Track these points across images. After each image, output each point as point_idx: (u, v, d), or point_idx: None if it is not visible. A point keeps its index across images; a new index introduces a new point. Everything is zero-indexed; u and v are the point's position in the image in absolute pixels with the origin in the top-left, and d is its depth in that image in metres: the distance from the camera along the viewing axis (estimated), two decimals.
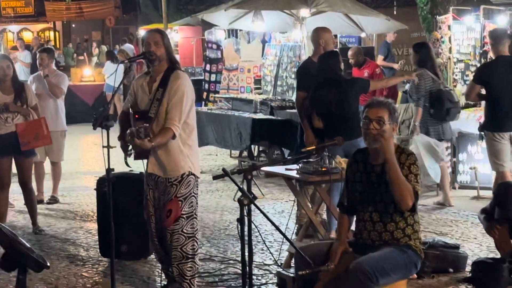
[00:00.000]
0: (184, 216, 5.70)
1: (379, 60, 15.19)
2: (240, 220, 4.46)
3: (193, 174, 5.76)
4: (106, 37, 40.30)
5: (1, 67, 8.00)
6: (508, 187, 6.37)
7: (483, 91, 8.10)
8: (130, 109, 5.76)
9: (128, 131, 5.41)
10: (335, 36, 16.34)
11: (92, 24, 40.91)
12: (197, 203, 5.84)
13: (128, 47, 23.29)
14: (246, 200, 4.45)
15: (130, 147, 5.61)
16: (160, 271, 6.27)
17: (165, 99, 5.59)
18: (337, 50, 8.48)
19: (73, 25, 41.44)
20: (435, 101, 8.62)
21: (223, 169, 4.63)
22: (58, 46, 37.61)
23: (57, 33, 40.03)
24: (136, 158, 5.73)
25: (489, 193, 9.25)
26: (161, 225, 5.81)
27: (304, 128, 7.69)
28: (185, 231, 5.70)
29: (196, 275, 5.85)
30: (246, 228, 4.48)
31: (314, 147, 6.04)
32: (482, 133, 8.10)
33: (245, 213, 4.47)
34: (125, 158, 5.68)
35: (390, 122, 4.80)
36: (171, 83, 5.61)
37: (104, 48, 27.14)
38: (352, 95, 7.34)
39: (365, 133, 4.83)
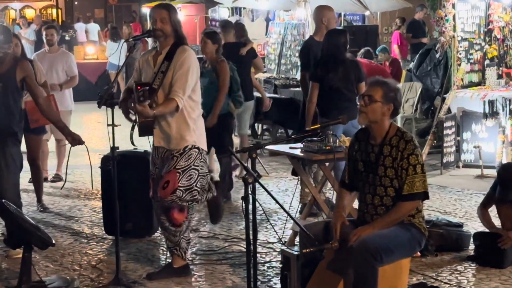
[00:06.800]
0: (182, 188, 5.65)
1: (407, 38, 15.22)
2: (245, 198, 4.47)
3: (197, 148, 5.74)
4: (109, 15, 40.14)
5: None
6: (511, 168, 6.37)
7: None
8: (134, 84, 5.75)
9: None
10: (339, 15, 16.34)
11: (94, 1, 40.73)
12: (200, 175, 5.74)
13: None
14: (251, 179, 4.46)
15: (135, 117, 5.63)
16: (165, 249, 6.30)
17: (170, 72, 5.58)
18: (344, 28, 8.53)
19: (76, 3, 41.26)
20: None
21: (228, 148, 4.63)
22: (60, 24, 37.52)
23: (59, 11, 39.84)
24: (140, 134, 5.71)
25: (493, 172, 9.27)
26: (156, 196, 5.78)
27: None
28: (185, 200, 5.69)
29: (189, 247, 5.92)
30: (250, 206, 4.50)
31: (318, 125, 6.04)
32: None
33: (250, 191, 4.48)
34: (131, 137, 5.69)
35: (383, 101, 4.80)
36: (177, 56, 5.60)
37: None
38: (356, 75, 7.33)
39: (358, 109, 4.90)
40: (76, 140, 6.43)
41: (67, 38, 22.45)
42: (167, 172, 5.67)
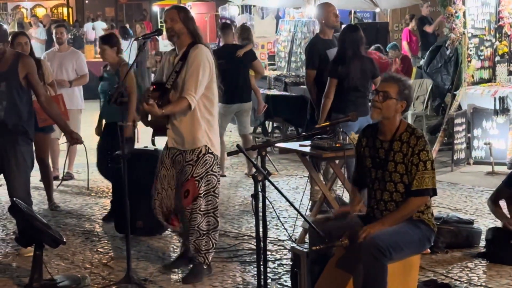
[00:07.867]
0: (202, 194, 5.72)
1: (427, 28, 15.20)
2: (255, 196, 4.48)
3: (211, 153, 5.75)
4: (120, 13, 40.25)
5: (19, 43, 7.98)
6: None
7: None
8: None
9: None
10: (350, 12, 16.33)
11: (105, 0, 40.86)
12: (218, 181, 5.84)
13: None
14: (261, 176, 4.46)
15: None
16: (175, 247, 6.31)
17: (184, 71, 5.62)
18: (357, 25, 8.59)
19: (86, 1, 41.38)
20: None
21: (237, 146, 4.64)
22: (71, 23, 37.67)
23: (70, 9, 39.97)
24: (154, 134, 5.79)
25: (504, 169, 9.26)
26: (179, 204, 5.85)
27: (316, 105, 7.70)
28: (201, 209, 5.73)
29: (212, 250, 5.88)
30: (260, 204, 4.50)
31: (328, 123, 6.04)
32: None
33: (260, 189, 4.49)
34: (153, 138, 5.76)
35: (398, 98, 4.80)
36: (190, 55, 5.65)
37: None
38: (371, 71, 7.34)
39: (371, 104, 4.90)
40: (74, 139, 6.39)
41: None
42: (185, 181, 5.72)
